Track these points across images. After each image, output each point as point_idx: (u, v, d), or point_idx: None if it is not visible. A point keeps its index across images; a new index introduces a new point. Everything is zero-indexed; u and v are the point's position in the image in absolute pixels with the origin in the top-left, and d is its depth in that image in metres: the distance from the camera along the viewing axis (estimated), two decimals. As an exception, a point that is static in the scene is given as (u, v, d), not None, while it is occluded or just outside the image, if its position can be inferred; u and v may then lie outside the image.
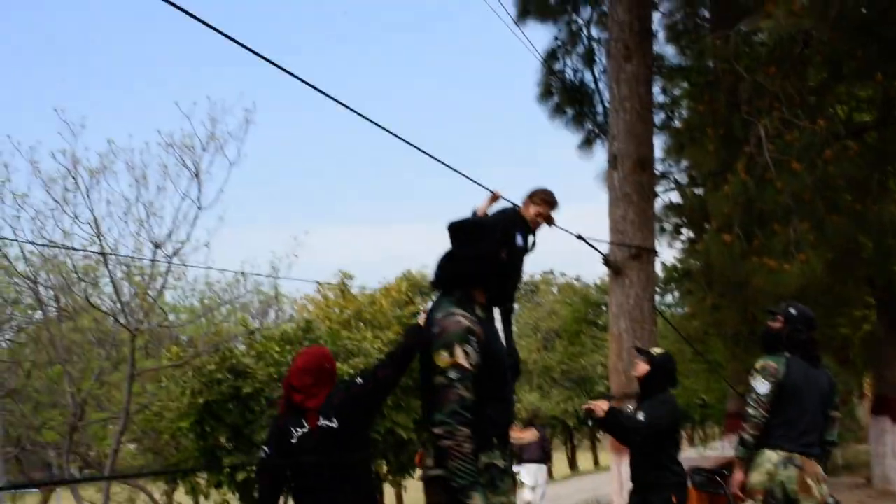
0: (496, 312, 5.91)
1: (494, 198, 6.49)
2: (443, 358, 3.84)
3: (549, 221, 6.82)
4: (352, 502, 4.86)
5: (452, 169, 5.94)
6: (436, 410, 3.85)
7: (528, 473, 16.90)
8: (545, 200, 6.69)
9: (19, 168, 49.59)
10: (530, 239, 6.67)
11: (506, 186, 6.73)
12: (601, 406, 6.50)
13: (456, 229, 4.19)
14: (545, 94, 12.33)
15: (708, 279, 12.27)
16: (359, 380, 4.98)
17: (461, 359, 3.82)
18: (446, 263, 4.15)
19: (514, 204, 6.69)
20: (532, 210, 6.63)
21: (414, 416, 18.18)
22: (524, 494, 16.87)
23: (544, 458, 17.18)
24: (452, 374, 3.81)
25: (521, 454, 16.99)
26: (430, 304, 4.22)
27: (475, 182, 6.26)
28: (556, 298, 36.93)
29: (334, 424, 4.82)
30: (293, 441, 4.84)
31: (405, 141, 5.40)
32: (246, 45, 4.07)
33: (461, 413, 3.79)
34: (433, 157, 5.68)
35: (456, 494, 3.78)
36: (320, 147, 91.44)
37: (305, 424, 4.85)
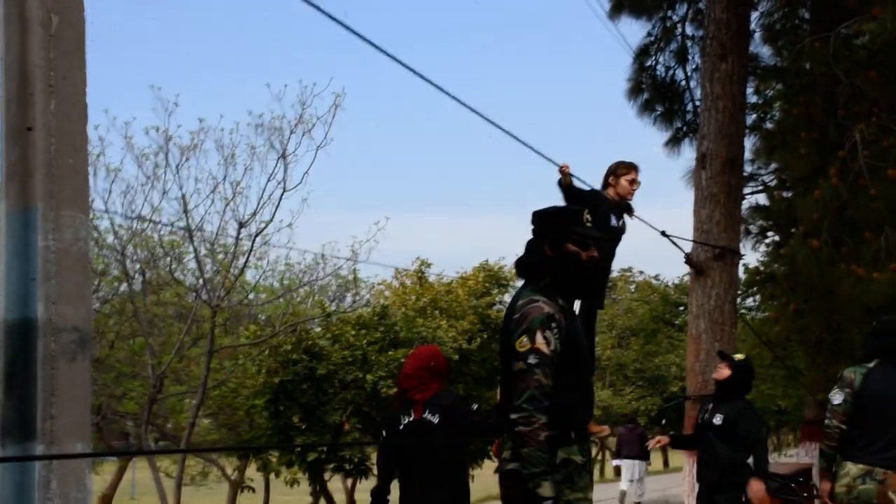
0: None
1: (564, 172, 6.31)
2: (523, 343, 3.80)
3: (630, 211, 6.79)
4: (442, 488, 5.54)
5: (521, 142, 5.91)
6: (514, 396, 3.80)
7: (627, 468, 18.22)
8: (630, 167, 6.62)
9: (114, 143, 50.87)
10: (615, 218, 6.59)
11: (588, 179, 6.70)
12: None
13: (538, 217, 4.17)
14: (635, 90, 12.19)
15: (792, 284, 12.04)
16: (474, 406, 6.04)
17: (541, 344, 3.77)
18: (528, 252, 4.15)
19: (591, 188, 6.59)
20: (624, 181, 6.55)
21: (485, 406, 18.21)
22: (621, 486, 18.22)
23: (644, 454, 18.14)
24: (532, 360, 3.76)
25: (621, 450, 18.66)
26: (507, 296, 4.37)
27: (543, 156, 6.11)
28: (634, 296, 36.55)
29: (435, 420, 5.51)
30: (400, 427, 5.65)
31: (493, 124, 5.39)
32: (340, 20, 4.09)
33: (539, 399, 3.73)
34: (514, 137, 5.67)
35: (526, 482, 3.73)
36: (406, 133, 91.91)
37: (412, 414, 5.63)
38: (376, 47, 4.31)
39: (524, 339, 3.80)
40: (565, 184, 6.25)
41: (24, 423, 3.16)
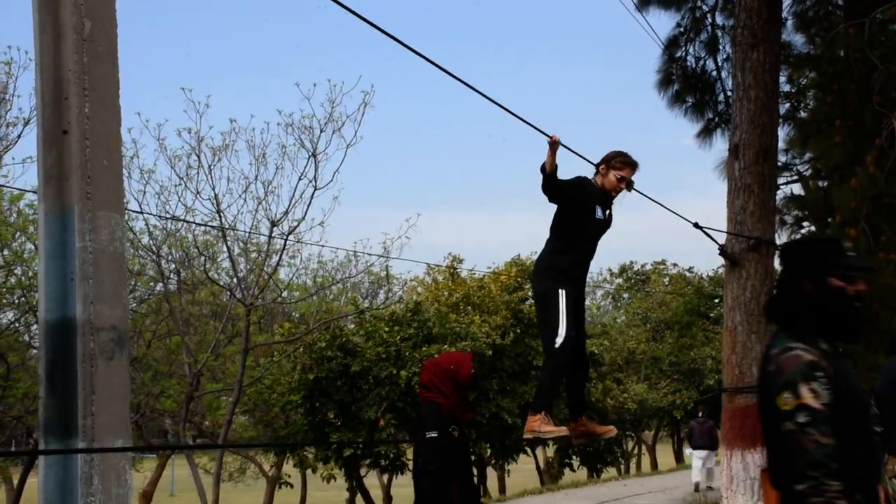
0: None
1: (553, 145, 5.58)
2: (786, 400, 3.33)
3: (630, 186, 6.24)
4: None
5: (534, 127, 5.86)
6: (791, 463, 3.32)
7: (698, 457, 19.72)
8: (626, 163, 6.07)
9: (147, 144, 51.46)
10: (601, 210, 6.03)
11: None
12: None
13: (790, 251, 3.74)
14: (665, 81, 12.10)
15: (829, 275, 11.89)
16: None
17: (809, 399, 3.29)
18: (781, 292, 3.68)
19: (595, 167, 6.11)
20: (612, 175, 6.01)
21: (519, 400, 18.23)
22: (693, 474, 19.86)
23: (713, 444, 19.14)
24: (801, 418, 3.28)
25: (692, 441, 20.34)
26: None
27: (533, 126, 5.61)
28: (667, 288, 36.33)
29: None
30: None
31: (519, 118, 5.38)
32: (369, 20, 4.11)
33: (826, 463, 3.23)
34: (531, 125, 5.62)
35: None
36: (437, 130, 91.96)
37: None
38: (402, 43, 4.33)
39: (786, 395, 3.33)
40: (550, 169, 5.63)
41: (65, 420, 3.21)
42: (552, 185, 5.68)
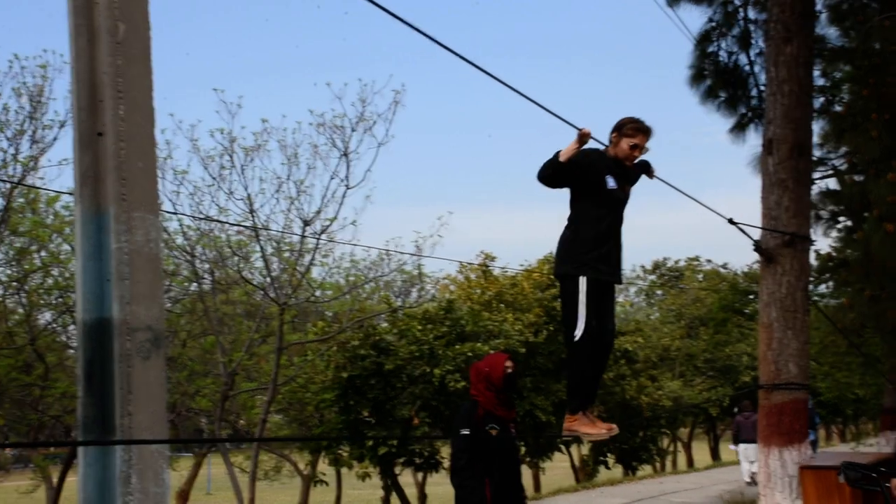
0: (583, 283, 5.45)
1: (583, 137, 5.32)
2: None
3: (650, 172, 5.97)
4: None
5: (568, 122, 5.82)
6: None
7: (745, 451, 19.68)
8: (639, 129, 5.68)
9: (180, 146, 51.83)
10: (613, 180, 5.65)
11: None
12: None
13: None
14: (697, 77, 12.01)
15: (866, 270, 11.77)
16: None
17: None
18: None
19: (604, 144, 5.77)
20: (625, 143, 5.65)
21: (553, 398, 18.19)
22: (742, 467, 20.08)
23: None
24: None
25: (739, 435, 20.34)
26: None
27: (564, 120, 5.38)
28: (702, 285, 36.07)
29: None
30: None
31: (555, 115, 5.35)
32: (402, 17, 4.11)
33: None
34: (565, 121, 5.59)
35: None
36: (468, 127, 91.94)
37: None
38: (433, 40, 4.33)
39: None
40: (566, 158, 5.32)
41: (103, 419, 3.24)
42: (558, 171, 5.39)
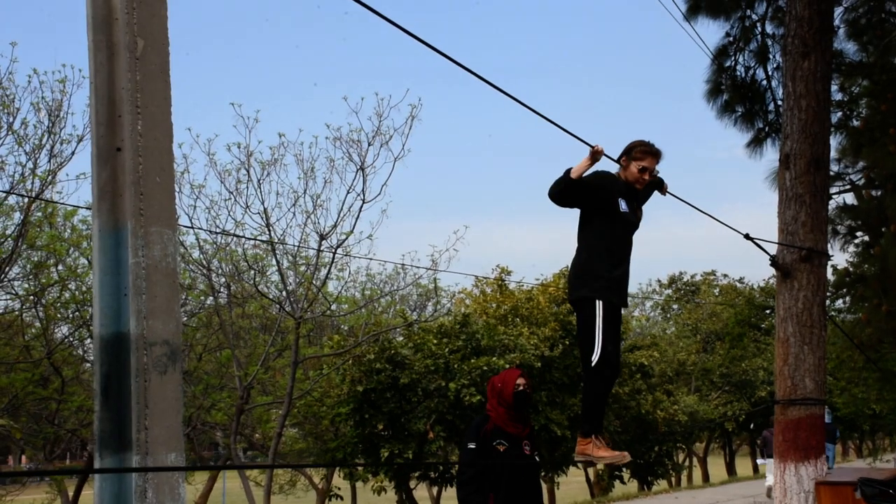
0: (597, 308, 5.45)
1: (595, 155, 5.30)
2: None
3: (662, 188, 5.98)
4: None
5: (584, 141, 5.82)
6: None
7: (770, 466, 19.18)
8: (648, 152, 5.71)
9: (197, 160, 52.31)
10: (625, 203, 5.67)
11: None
12: None
13: None
14: (714, 91, 11.99)
15: (884, 285, 11.70)
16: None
17: None
18: None
19: (617, 160, 5.77)
20: (634, 167, 5.67)
21: (568, 412, 18.13)
22: (766, 481, 19.54)
23: None
24: None
25: (765, 450, 20.08)
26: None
27: (577, 138, 5.28)
28: (718, 299, 35.95)
29: None
30: None
31: (568, 132, 5.35)
32: (417, 35, 4.12)
33: None
34: (582, 140, 5.59)
35: None
36: (483, 142, 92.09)
37: None
38: (448, 57, 4.34)
39: None
40: (577, 175, 5.33)
41: (119, 434, 3.25)
42: (570, 188, 5.39)
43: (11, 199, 14.89)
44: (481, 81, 4.57)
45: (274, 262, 16.66)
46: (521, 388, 6.41)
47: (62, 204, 15.25)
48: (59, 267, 16.37)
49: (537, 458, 6.60)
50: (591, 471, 27.95)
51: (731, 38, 11.88)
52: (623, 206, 5.61)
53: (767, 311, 32.33)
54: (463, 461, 6.37)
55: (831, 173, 11.27)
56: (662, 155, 5.77)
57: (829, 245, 10.08)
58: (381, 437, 16.55)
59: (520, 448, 6.40)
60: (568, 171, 5.37)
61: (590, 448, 5.57)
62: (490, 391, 6.55)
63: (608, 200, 5.57)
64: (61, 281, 16.29)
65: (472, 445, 6.28)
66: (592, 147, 5.29)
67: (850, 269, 14.61)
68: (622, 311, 5.89)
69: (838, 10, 11.07)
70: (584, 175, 5.40)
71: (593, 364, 5.48)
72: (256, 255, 17.60)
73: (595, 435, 5.58)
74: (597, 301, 5.48)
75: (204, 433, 22.02)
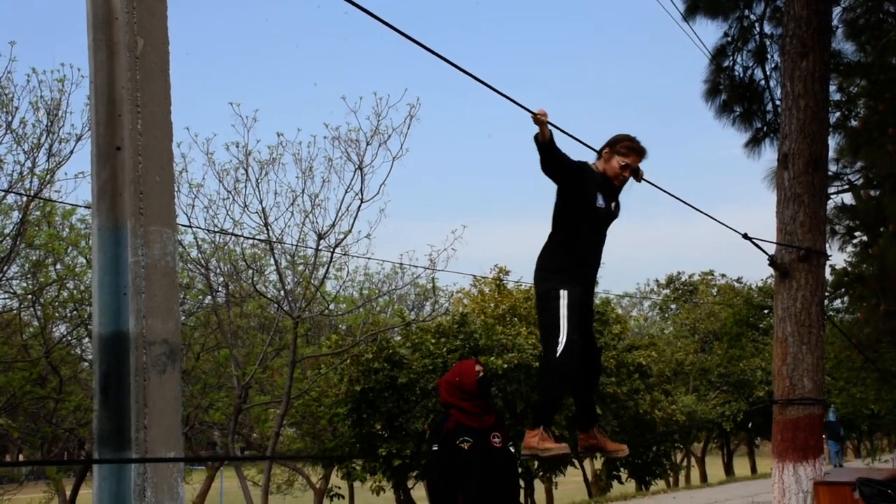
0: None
1: (540, 120, 5.02)
2: None
3: (637, 175, 5.68)
4: None
5: (591, 148, 5.82)
6: None
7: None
8: (633, 149, 5.49)
9: (195, 159, 52.31)
10: (602, 198, 5.47)
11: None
12: None
13: None
14: (712, 91, 11.99)
15: (882, 285, 11.71)
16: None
17: None
18: None
19: (598, 151, 5.58)
20: (616, 162, 5.46)
21: (566, 412, 18.12)
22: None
23: None
24: None
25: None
26: None
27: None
28: (716, 299, 35.97)
29: None
30: None
31: (569, 135, 5.36)
32: (414, 38, 4.12)
33: None
34: (587, 145, 5.59)
35: None
36: (482, 142, 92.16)
37: None
38: (444, 59, 4.34)
39: None
40: (544, 139, 5.07)
41: (118, 433, 3.25)
42: (552, 154, 5.17)
43: (10, 198, 14.90)
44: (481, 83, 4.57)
45: (272, 261, 16.68)
46: (482, 373, 6.17)
47: (61, 203, 15.26)
48: (58, 266, 16.36)
49: (511, 449, 6.23)
50: (588, 470, 27.97)
51: (729, 38, 11.89)
52: (600, 200, 5.43)
53: (766, 311, 32.36)
54: (427, 463, 6.18)
55: (829, 173, 11.27)
56: (647, 153, 5.60)
57: (827, 245, 10.09)
58: (379, 437, 16.55)
59: (487, 442, 6.07)
60: (537, 140, 5.14)
61: (536, 440, 5.33)
62: (446, 390, 6.20)
63: (584, 193, 5.40)
64: (59, 280, 16.28)
65: (435, 447, 6.05)
66: (534, 113, 5.04)
67: (849, 268, 14.64)
68: (594, 302, 5.70)
69: (836, 11, 11.08)
70: (555, 142, 5.19)
71: (557, 354, 5.19)
72: (255, 255, 17.61)
73: (545, 427, 5.33)
74: (560, 291, 5.28)
75: (202, 433, 22.03)
